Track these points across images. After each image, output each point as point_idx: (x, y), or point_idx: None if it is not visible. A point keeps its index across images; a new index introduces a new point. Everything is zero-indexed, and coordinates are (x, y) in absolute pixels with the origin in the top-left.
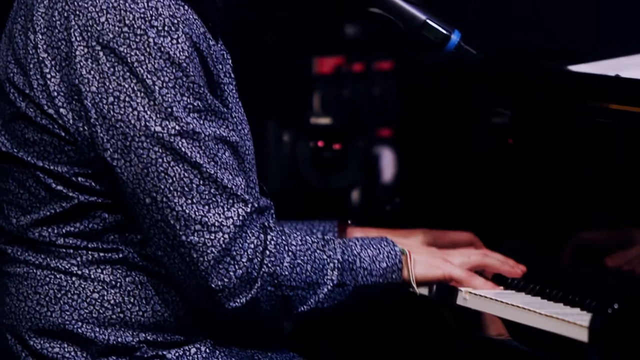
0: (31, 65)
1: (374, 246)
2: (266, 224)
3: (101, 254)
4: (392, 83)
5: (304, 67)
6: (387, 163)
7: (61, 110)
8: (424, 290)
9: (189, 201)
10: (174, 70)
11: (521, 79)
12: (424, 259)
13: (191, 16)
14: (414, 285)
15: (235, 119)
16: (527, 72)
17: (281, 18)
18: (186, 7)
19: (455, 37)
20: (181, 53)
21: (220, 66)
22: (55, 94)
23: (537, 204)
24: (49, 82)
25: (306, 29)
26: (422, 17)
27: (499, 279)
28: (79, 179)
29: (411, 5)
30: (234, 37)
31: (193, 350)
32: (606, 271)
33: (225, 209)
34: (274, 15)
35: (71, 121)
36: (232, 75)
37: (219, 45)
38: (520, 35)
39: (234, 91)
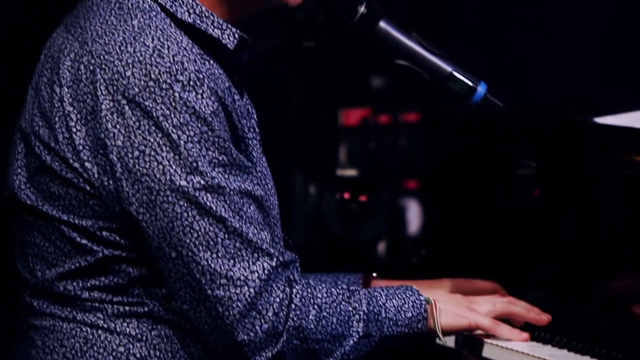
0: (57, 119)
1: (399, 296)
2: (291, 277)
3: (127, 308)
4: (419, 135)
5: (330, 118)
6: (413, 215)
7: (86, 164)
8: (450, 339)
9: (214, 255)
10: (199, 125)
11: (547, 131)
12: (449, 308)
13: (216, 71)
14: (440, 335)
15: (259, 174)
16: (553, 124)
17: (307, 70)
18: (212, 62)
19: (481, 89)
20: (206, 108)
21: (245, 121)
22: (81, 147)
23: (563, 255)
24: (74, 135)
25: (332, 80)
26: (448, 68)
27: (525, 328)
28: (104, 233)
29: (437, 57)
30: (260, 88)
31: None
32: (633, 323)
33: (251, 263)
34: (300, 67)
35: (96, 175)
36: (257, 130)
37: (244, 100)
38: (545, 87)
39: (257, 146)
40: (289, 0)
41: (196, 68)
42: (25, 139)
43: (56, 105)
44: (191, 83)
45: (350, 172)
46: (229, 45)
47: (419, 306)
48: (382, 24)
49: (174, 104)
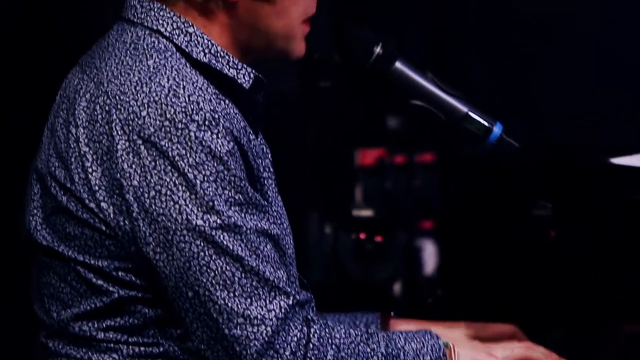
0: (72, 159)
1: (418, 339)
2: (309, 316)
3: (142, 348)
4: (434, 175)
5: (346, 158)
6: (429, 255)
7: (102, 204)
8: None
9: (231, 294)
10: (215, 164)
11: (563, 172)
12: (467, 352)
13: (232, 110)
14: None
15: (275, 213)
16: (569, 165)
17: (323, 110)
18: (227, 102)
19: (497, 130)
20: (222, 147)
21: (260, 160)
22: (97, 187)
23: (580, 296)
24: (90, 176)
25: (348, 120)
26: (464, 109)
27: None
28: (119, 273)
29: (453, 97)
30: (276, 128)
31: None
32: None
33: (268, 302)
34: (316, 107)
35: (112, 215)
36: (272, 170)
37: (259, 140)
38: (561, 127)
39: (273, 185)
40: (293, 53)
41: (212, 108)
42: (41, 180)
43: (72, 145)
44: (207, 123)
45: (366, 213)
46: (244, 85)
47: (437, 350)
48: (398, 64)
49: (189, 143)
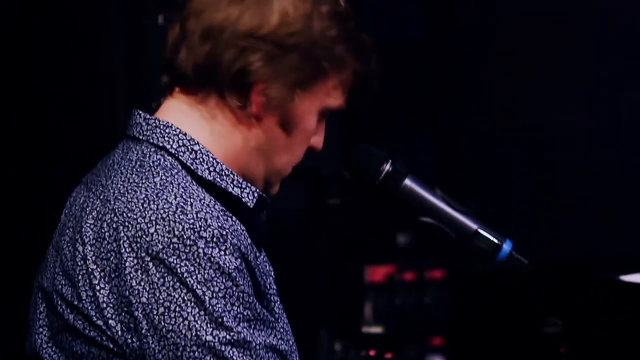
0: (79, 277)
1: None
2: None
3: None
4: (444, 292)
5: (356, 275)
6: None
7: (110, 321)
8: None
9: None
10: (223, 280)
11: (573, 289)
12: None
13: (239, 227)
14: None
15: (281, 329)
16: (579, 282)
17: (332, 227)
18: (234, 218)
19: (506, 247)
20: (230, 263)
21: (265, 277)
22: (104, 305)
23: None
24: (97, 293)
25: (357, 237)
26: (474, 226)
27: None
28: None
29: (462, 214)
30: (286, 245)
31: None
32: None
33: None
34: (325, 224)
35: (120, 333)
36: (275, 287)
37: (263, 257)
38: (571, 243)
39: (278, 302)
40: (270, 191)
41: (219, 224)
42: (47, 298)
43: (79, 263)
44: (214, 239)
45: (376, 329)
46: (248, 204)
47: None
48: (407, 182)
49: (198, 260)
